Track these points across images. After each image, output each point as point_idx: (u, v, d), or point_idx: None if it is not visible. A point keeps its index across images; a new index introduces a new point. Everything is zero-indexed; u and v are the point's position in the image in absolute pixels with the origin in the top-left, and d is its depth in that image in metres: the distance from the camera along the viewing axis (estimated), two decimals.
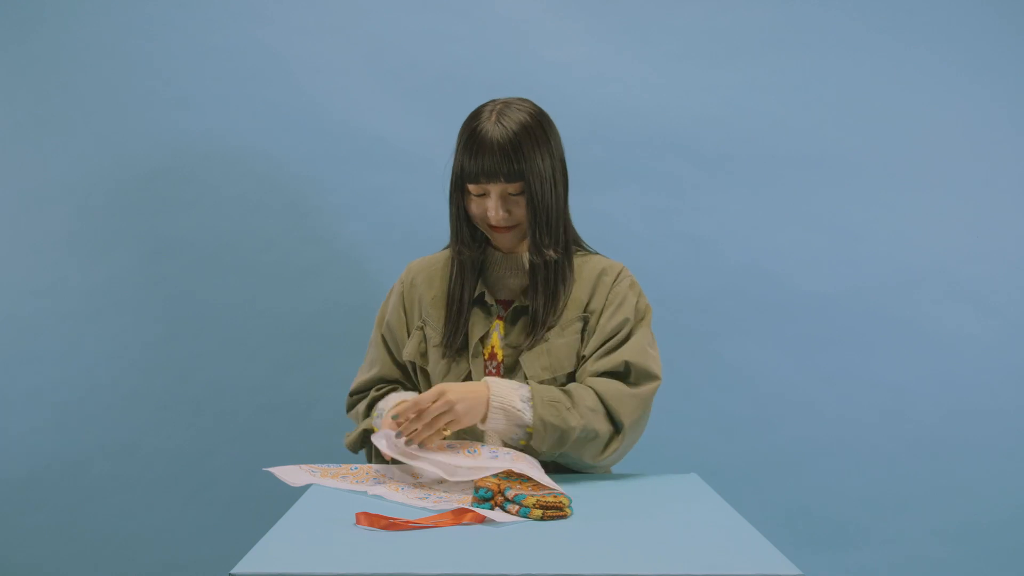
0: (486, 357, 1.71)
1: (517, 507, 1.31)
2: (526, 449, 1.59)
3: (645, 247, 2.39)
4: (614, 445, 1.61)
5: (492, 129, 1.62)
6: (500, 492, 1.34)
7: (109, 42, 2.36)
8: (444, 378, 1.71)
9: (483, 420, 1.55)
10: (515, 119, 1.64)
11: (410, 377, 1.79)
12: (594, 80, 2.41)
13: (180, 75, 2.37)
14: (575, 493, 1.42)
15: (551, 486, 1.39)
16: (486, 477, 1.39)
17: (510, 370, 1.69)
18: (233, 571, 1.06)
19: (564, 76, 2.38)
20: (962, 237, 2.43)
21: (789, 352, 2.42)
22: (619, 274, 1.74)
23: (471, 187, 1.66)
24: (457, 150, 1.67)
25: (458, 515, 1.28)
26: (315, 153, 2.38)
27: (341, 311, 2.37)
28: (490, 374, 1.69)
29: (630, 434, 1.63)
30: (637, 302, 1.71)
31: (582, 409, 1.58)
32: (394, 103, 2.39)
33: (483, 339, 1.71)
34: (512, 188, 1.64)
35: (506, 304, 1.74)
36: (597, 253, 1.81)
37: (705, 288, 2.42)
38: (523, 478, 1.40)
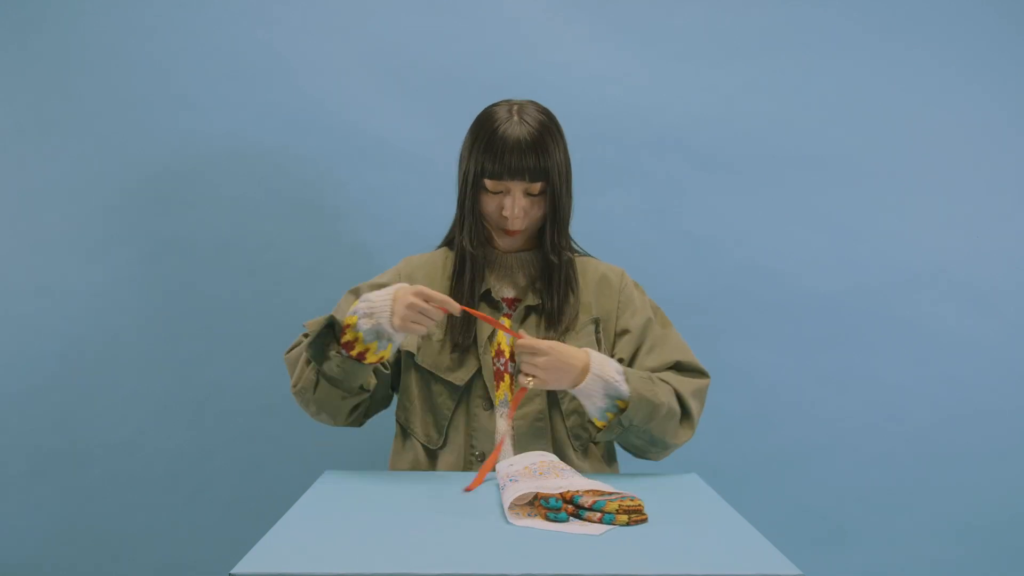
0: (492, 354, 1.71)
1: (599, 514, 1.28)
2: (613, 422, 1.60)
3: (645, 247, 2.39)
4: (686, 426, 1.67)
5: (517, 127, 1.63)
6: (568, 501, 1.32)
7: (110, 42, 2.36)
8: (451, 373, 1.70)
9: (575, 384, 1.56)
10: (536, 118, 1.66)
11: None
12: (594, 80, 2.40)
13: (181, 75, 2.37)
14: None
15: (618, 492, 1.34)
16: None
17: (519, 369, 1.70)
18: (233, 571, 1.06)
19: (564, 76, 2.38)
20: (962, 237, 2.43)
21: (789, 352, 2.42)
22: (622, 278, 1.79)
23: (489, 183, 1.66)
24: (473, 148, 1.67)
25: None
26: (315, 153, 2.38)
27: None
28: (499, 371, 1.70)
29: (697, 418, 1.69)
30: (648, 301, 1.80)
31: (664, 387, 1.63)
32: (395, 103, 2.39)
33: (490, 336, 1.72)
34: (534, 188, 1.65)
35: (510, 302, 1.74)
36: (589, 255, 1.84)
37: (705, 288, 2.42)
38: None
